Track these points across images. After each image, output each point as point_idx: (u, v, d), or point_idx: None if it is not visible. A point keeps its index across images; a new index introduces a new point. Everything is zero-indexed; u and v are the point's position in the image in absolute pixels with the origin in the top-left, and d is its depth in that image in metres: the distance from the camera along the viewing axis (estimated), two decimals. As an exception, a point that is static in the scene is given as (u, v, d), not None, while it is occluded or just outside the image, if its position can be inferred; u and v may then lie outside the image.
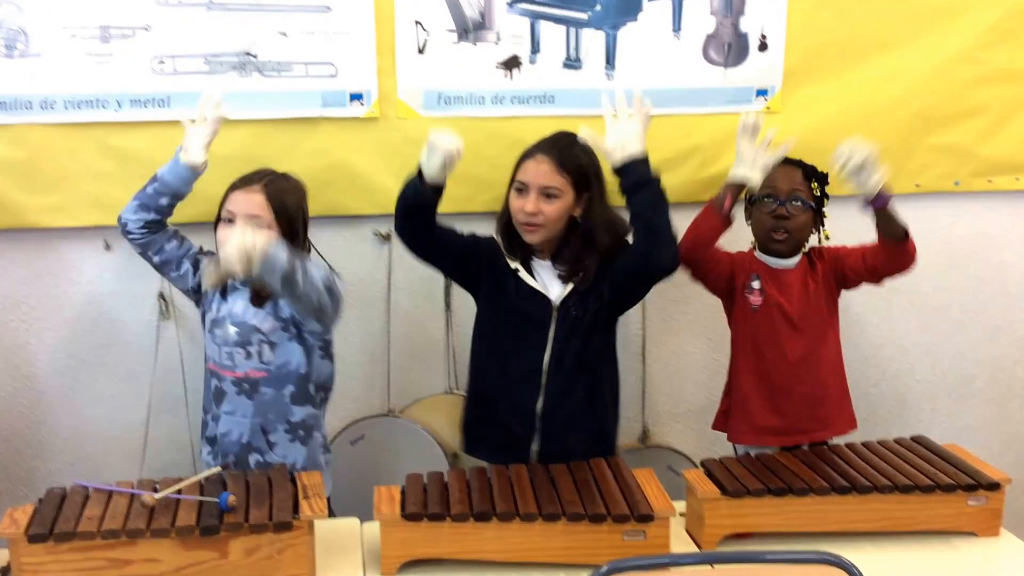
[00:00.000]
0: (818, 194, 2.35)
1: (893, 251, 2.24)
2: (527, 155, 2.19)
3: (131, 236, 2.18)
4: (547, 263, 2.23)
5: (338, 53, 2.41)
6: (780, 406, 2.38)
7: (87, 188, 2.39)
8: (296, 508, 1.80)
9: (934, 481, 1.97)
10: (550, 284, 2.21)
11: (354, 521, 2.04)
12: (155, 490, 1.82)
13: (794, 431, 2.37)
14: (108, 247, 2.46)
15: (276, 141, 2.43)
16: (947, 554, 1.95)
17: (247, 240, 1.89)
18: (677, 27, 2.58)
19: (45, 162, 2.36)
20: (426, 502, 1.86)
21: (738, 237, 2.46)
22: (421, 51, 2.46)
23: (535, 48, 2.52)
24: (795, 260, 2.38)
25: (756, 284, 2.38)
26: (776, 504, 1.94)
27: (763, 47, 2.63)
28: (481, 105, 2.52)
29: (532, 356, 2.21)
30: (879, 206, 2.17)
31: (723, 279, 2.43)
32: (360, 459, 2.58)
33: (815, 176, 2.36)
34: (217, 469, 1.94)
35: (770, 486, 1.94)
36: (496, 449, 2.25)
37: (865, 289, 2.60)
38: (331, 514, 1.98)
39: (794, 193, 2.32)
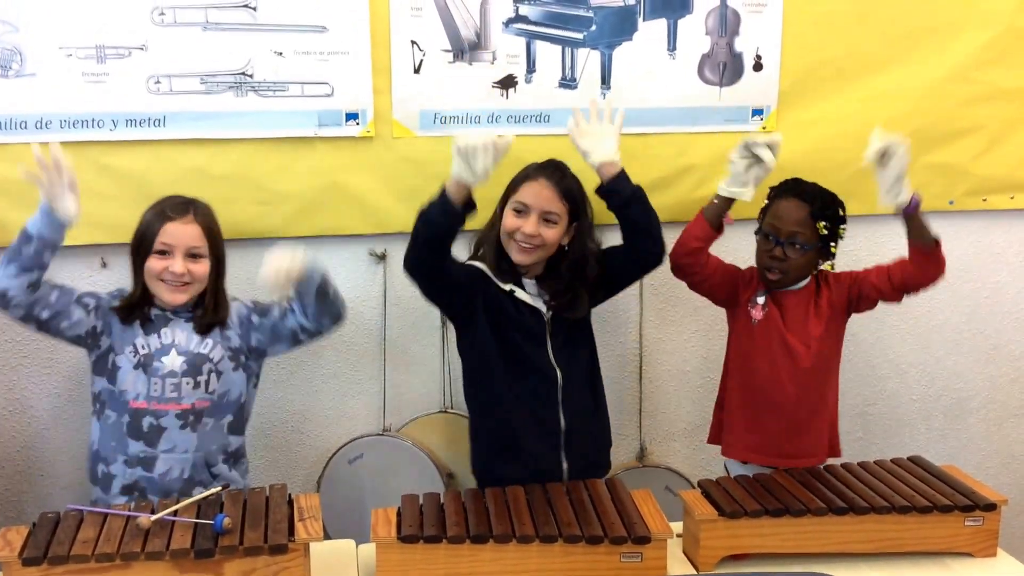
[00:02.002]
0: (825, 232, 2.29)
1: (925, 260, 2.23)
2: (527, 177, 2.20)
3: (15, 303, 2.02)
4: (532, 282, 2.25)
5: (334, 73, 2.42)
6: (764, 424, 2.36)
7: (83, 207, 2.35)
8: (292, 530, 1.79)
9: (931, 502, 1.97)
10: (540, 301, 2.24)
11: (350, 543, 2.04)
12: (152, 512, 1.81)
13: (772, 452, 2.35)
14: (104, 265, 2.45)
15: (271, 160, 2.43)
16: (944, 575, 1.94)
17: (285, 262, 1.98)
18: (672, 47, 2.59)
19: (40, 181, 2.35)
20: (422, 524, 1.85)
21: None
22: (417, 71, 2.47)
23: (531, 68, 2.53)
24: (802, 283, 2.37)
25: (761, 300, 2.37)
26: (773, 525, 1.93)
27: (758, 67, 2.64)
28: (477, 125, 2.52)
29: (546, 377, 2.22)
30: (910, 211, 2.15)
31: (722, 289, 2.42)
32: (356, 478, 2.57)
33: (823, 215, 2.29)
34: (217, 489, 1.93)
35: (767, 507, 1.93)
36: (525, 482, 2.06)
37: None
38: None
39: (794, 236, 2.29)
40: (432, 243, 2.10)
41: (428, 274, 2.15)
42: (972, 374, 2.99)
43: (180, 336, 2.13)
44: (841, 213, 2.34)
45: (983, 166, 2.82)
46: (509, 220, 2.19)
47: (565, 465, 2.23)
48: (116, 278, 2.44)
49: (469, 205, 2.09)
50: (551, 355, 2.22)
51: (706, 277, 2.39)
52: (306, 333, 2.19)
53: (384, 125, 2.48)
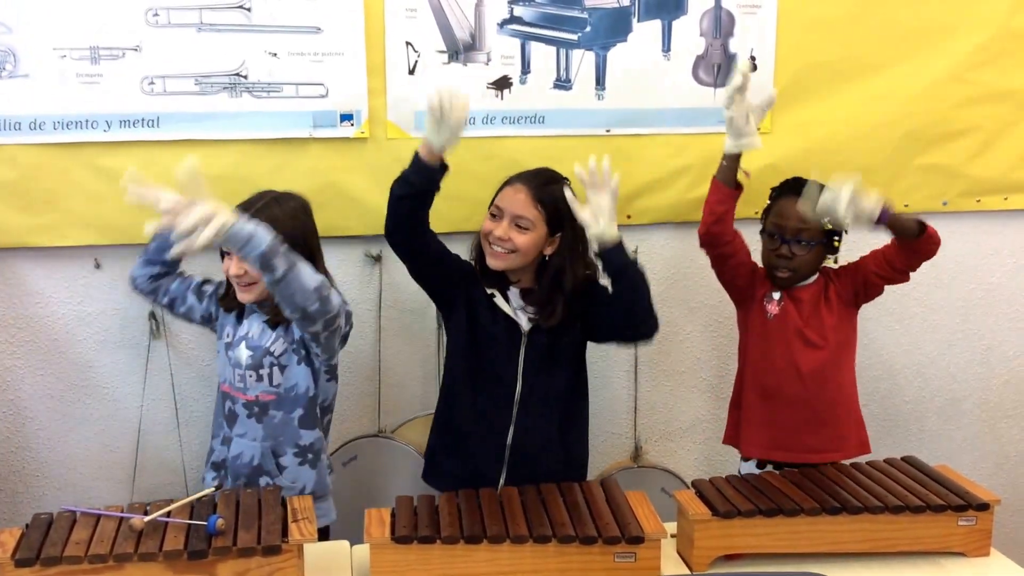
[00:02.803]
0: (829, 227, 2.30)
1: (916, 246, 2.23)
2: (508, 182, 2.19)
3: (140, 289, 2.27)
4: (517, 292, 2.23)
5: (328, 74, 2.42)
6: (783, 419, 2.37)
7: (77, 208, 2.38)
8: (285, 532, 1.78)
9: (924, 501, 1.97)
10: (521, 314, 2.22)
11: (344, 544, 2.03)
12: (146, 512, 1.81)
13: (798, 448, 2.36)
14: (98, 266, 2.45)
15: (266, 161, 2.43)
16: (937, 575, 1.94)
17: (206, 212, 1.82)
18: (667, 48, 2.59)
19: (35, 182, 2.35)
20: (416, 525, 1.85)
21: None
22: (411, 72, 2.47)
23: (525, 69, 2.53)
24: (812, 279, 2.38)
25: (777, 295, 2.38)
26: (767, 525, 1.93)
27: (752, 68, 2.64)
28: (471, 126, 2.49)
29: (504, 386, 2.20)
30: (885, 221, 2.14)
31: (744, 275, 2.41)
32: (351, 480, 2.57)
33: None
34: (211, 490, 1.93)
35: (761, 507, 1.93)
36: (460, 482, 2.08)
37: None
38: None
39: (799, 234, 2.30)
40: (405, 201, 2.12)
41: (406, 243, 2.18)
42: (966, 375, 2.99)
43: (254, 329, 2.17)
44: None
45: (977, 167, 2.82)
46: (485, 223, 2.19)
47: (502, 480, 2.21)
48: (110, 279, 2.45)
49: (442, 166, 2.10)
50: (520, 367, 2.20)
51: (734, 251, 2.37)
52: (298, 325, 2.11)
53: (379, 126, 2.47)
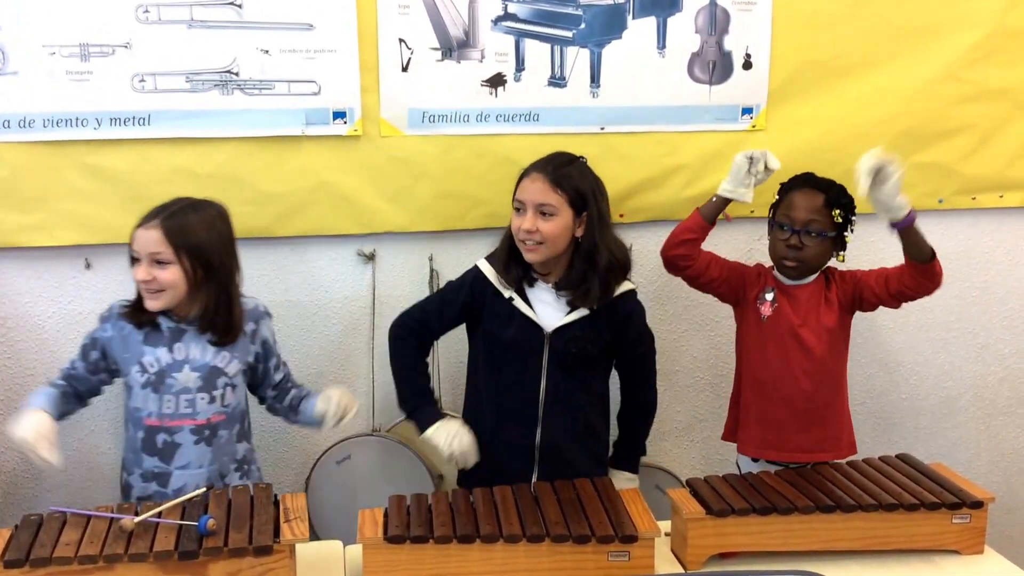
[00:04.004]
0: (840, 220, 2.30)
1: (920, 273, 2.22)
2: (523, 175, 2.18)
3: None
4: (548, 288, 2.20)
5: (321, 71, 2.40)
6: (777, 419, 2.36)
7: (67, 207, 2.37)
8: (277, 532, 1.77)
9: (918, 499, 1.97)
10: (546, 312, 2.19)
11: (336, 544, 2.02)
12: (136, 513, 1.80)
13: (790, 447, 2.35)
14: (89, 266, 2.43)
15: (258, 160, 2.42)
16: (931, 572, 1.94)
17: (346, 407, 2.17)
18: (662, 45, 2.59)
19: (24, 181, 2.33)
20: (409, 524, 1.84)
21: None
22: (405, 69, 2.45)
23: (520, 66, 2.52)
24: (811, 278, 2.37)
25: (770, 296, 2.37)
26: (761, 523, 1.93)
27: (748, 65, 2.64)
28: (465, 123, 2.51)
29: (528, 388, 2.20)
30: (903, 226, 2.13)
31: (726, 285, 2.41)
32: (345, 479, 2.56)
33: (838, 203, 2.30)
34: (203, 490, 1.91)
35: (755, 505, 1.93)
36: (494, 483, 2.11)
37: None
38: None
39: (810, 224, 2.29)
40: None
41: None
42: (961, 372, 2.99)
43: (194, 351, 2.09)
44: (852, 204, 2.34)
45: (972, 165, 2.82)
46: (513, 221, 2.17)
47: (534, 478, 2.21)
48: (100, 279, 2.44)
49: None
50: (543, 370, 2.19)
51: (700, 272, 2.37)
52: (270, 407, 2.29)
53: (372, 124, 2.46)
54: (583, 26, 2.52)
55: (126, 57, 2.31)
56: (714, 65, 2.62)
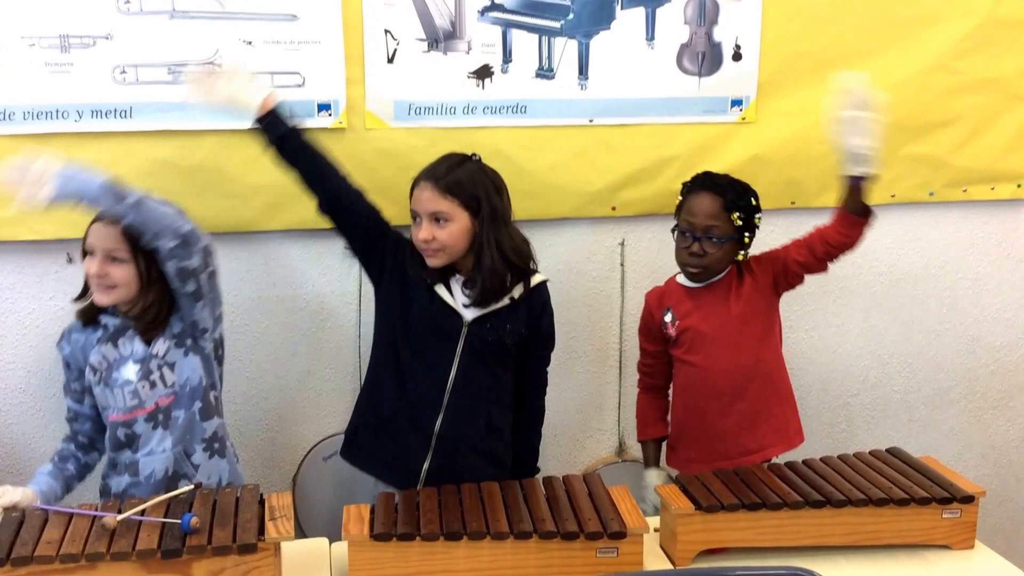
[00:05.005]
0: (740, 223, 2.27)
1: (853, 224, 2.18)
2: (414, 182, 2.15)
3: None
4: (459, 279, 2.18)
5: (305, 62, 2.37)
6: (717, 429, 2.33)
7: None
8: (262, 529, 1.75)
9: (908, 494, 1.95)
10: (463, 302, 2.17)
11: (323, 541, 2.01)
12: (119, 511, 1.78)
13: (736, 452, 2.31)
14: (71, 260, 2.40)
15: (241, 152, 2.38)
16: (921, 567, 1.93)
17: (36, 167, 1.90)
18: (651, 36, 2.56)
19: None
20: (396, 521, 1.82)
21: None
22: (390, 60, 2.43)
23: (507, 57, 2.50)
24: (718, 277, 2.34)
25: (668, 317, 2.37)
26: (750, 519, 1.91)
27: (737, 57, 2.62)
28: (452, 116, 2.49)
29: (437, 374, 2.17)
30: (856, 183, 2.13)
31: (656, 342, 2.44)
32: (332, 476, 2.54)
33: (736, 206, 2.27)
34: (189, 487, 1.89)
35: (744, 501, 1.91)
36: (383, 465, 2.21)
37: (843, 300, 2.57)
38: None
39: (709, 230, 2.27)
40: (290, 169, 2.15)
41: (328, 205, 2.17)
42: (952, 365, 2.99)
43: (136, 347, 2.09)
44: (754, 203, 2.31)
45: (963, 157, 2.81)
46: (412, 231, 2.15)
47: (426, 466, 2.18)
48: (82, 273, 2.39)
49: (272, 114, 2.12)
50: (456, 358, 2.16)
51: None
52: (173, 260, 2.01)
53: (357, 116, 2.44)
54: (571, 17, 2.50)
55: (107, 48, 2.28)
56: (703, 56, 2.60)
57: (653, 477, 2.41)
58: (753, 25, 2.61)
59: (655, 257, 2.71)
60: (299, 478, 2.55)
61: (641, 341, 2.49)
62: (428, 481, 2.17)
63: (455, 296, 2.16)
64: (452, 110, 2.49)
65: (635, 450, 2.80)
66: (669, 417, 2.49)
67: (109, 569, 1.68)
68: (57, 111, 2.29)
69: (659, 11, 2.55)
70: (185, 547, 1.70)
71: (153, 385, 2.08)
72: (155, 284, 2.05)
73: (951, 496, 1.96)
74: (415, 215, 2.14)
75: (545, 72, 2.53)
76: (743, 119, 2.65)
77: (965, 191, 2.85)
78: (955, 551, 1.98)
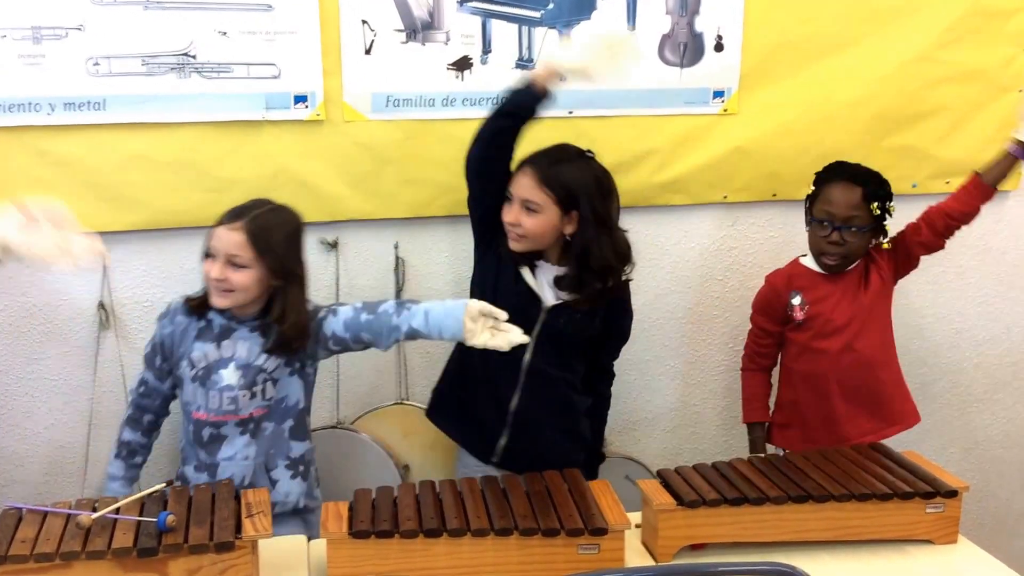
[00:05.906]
0: (878, 212, 2.32)
1: (984, 194, 2.28)
2: (518, 165, 2.17)
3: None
4: (552, 268, 2.20)
5: (281, 53, 2.34)
6: (838, 413, 2.40)
7: (21, 194, 2.29)
8: (239, 527, 1.73)
9: (891, 489, 1.95)
10: (548, 289, 2.19)
11: (301, 539, 1.99)
12: (94, 509, 1.76)
13: (856, 434, 2.37)
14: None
15: (217, 145, 2.36)
16: (904, 562, 1.93)
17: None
18: (632, 26, 2.54)
19: (-25, 168, 2.27)
20: (375, 518, 1.80)
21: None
22: (368, 52, 2.40)
23: (486, 48, 2.47)
24: (852, 266, 2.41)
25: (797, 300, 2.41)
26: (732, 514, 1.90)
27: (719, 48, 2.60)
28: (431, 107, 2.46)
29: (514, 353, 2.12)
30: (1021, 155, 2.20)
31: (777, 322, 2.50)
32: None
33: (875, 196, 2.33)
34: (162, 486, 1.87)
35: (726, 496, 1.90)
36: (464, 432, 2.32)
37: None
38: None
39: (850, 220, 2.31)
40: (507, 119, 2.13)
41: (485, 167, 2.16)
42: (935, 359, 2.98)
43: (241, 349, 2.08)
44: (889, 191, 2.37)
45: (946, 148, 2.80)
46: (503, 209, 2.17)
47: (503, 441, 2.25)
48: (57, 269, 2.36)
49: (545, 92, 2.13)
50: (533, 340, 2.15)
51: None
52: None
53: (334, 108, 2.41)
54: (551, 6, 2.48)
55: (80, 40, 2.24)
56: (685, 47, 2.58)
57: None
58: (735, 16, 2.59)
59: (633, 250, 2.69)
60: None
61: (760, 320, 2.52)
62: (504, 456, 2.25)
63: (539, 280, 2.19)
64: (431, 102, 2.46)
65: (616, 445, 2.78)
66: (774, 400, 2.55)
67: (84, 568, 1.66)
68: (30, 104, 2.25)
69: (640, 1, 2.53)
70: (161, 545, 1.68)
71: (253, 396, 2.09)
72: (276, 292, 2.06)
73: (934, 490, 1.95)
74: (510, 195, 2.15)
75: (525, 63, 2.50)
76: (725, 111, 2.63)
77: (948, 183, 2.82)
78: (938, 546, 1.97)
